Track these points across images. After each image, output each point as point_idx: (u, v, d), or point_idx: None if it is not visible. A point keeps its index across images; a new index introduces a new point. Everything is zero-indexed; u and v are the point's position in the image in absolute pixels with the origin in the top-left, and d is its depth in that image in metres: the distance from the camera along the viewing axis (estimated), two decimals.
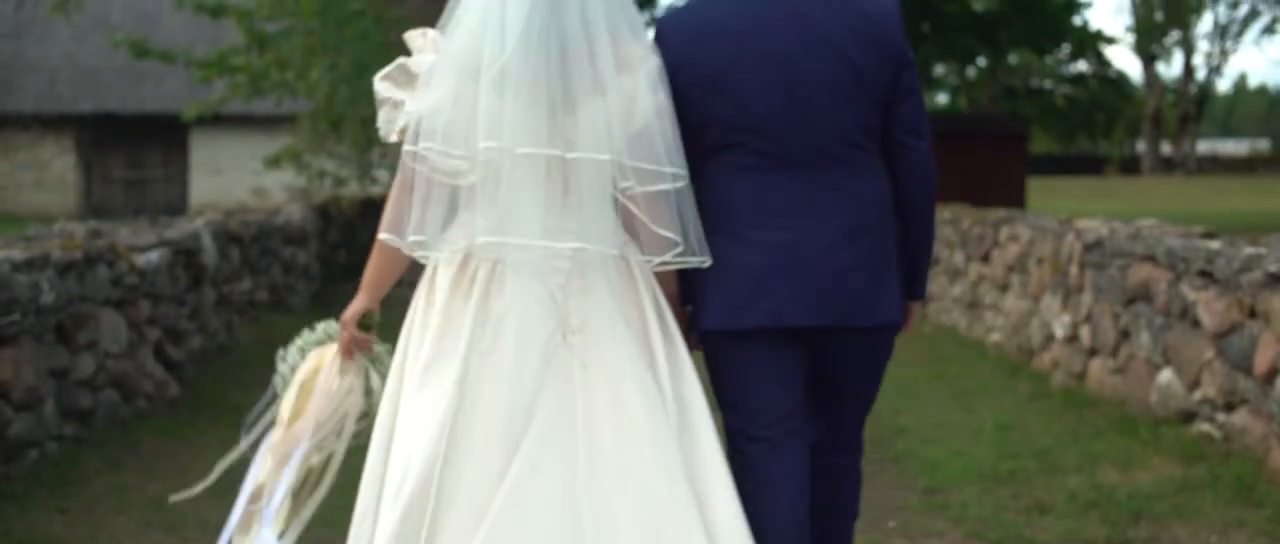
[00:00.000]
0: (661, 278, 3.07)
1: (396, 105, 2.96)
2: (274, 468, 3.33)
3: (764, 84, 3.09)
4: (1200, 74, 66.12)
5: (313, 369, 3.34)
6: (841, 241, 3.11)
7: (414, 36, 3.01)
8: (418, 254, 3.01)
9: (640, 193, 2.92)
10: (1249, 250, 5.87)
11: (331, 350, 3.33)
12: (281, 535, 3.27)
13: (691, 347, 3.13)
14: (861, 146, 3.16)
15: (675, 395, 2.90)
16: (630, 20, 2.96)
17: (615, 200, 2.92)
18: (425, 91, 2.90)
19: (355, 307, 3.26)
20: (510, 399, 2.80)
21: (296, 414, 3.31)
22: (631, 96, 2.91)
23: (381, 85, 3.00)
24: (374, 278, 3.21)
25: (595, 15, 2.87)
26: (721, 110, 3.11)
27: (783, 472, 3.19)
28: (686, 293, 3.23)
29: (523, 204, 2.83)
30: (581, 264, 2.90)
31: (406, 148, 2.89)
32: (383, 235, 3.03)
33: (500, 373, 2.82)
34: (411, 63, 2.98)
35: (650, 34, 3.11)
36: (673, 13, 3.25)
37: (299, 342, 3.43)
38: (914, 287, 3.35)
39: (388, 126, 3.00)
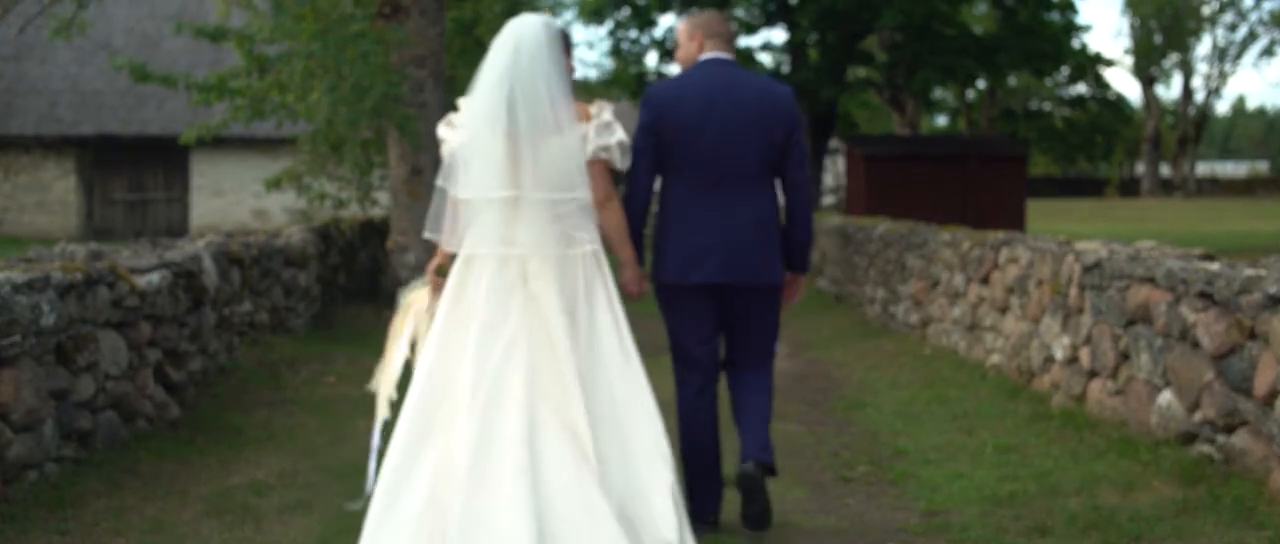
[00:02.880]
0: (620, 245, 4.87)
1: (443, 142, 4.74)
2: (386, 367, 5.14)
3: (712, 134, 5.03)
4: (1199, 96, 66.23)
5: (414, 299, 5.02)
6: (748, 233, 5.04)
7: (462, 102, 4.70)
8: (448, 248, 4.69)
9: (562, 209, 4.59)
10: (1248, 272, 5.87)
11: (426, 289, 4.95)
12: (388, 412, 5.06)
13: (636, 295, 5.01)
14: (763, 175, 5.10)
15: (589, 327, 4.55)
16: (567, 102, 4.60)
17: (554, 215, 4.57)
18: (454, 137, 4.67)
19: (433, 263, 4.85)
20: (484, 325, 4.46)
21: (401, 325, 5.05)
22: (564, 149, 4.57)
23: (441, 130, 4.79)
24: (440, 251, 4.81)
25: (546, 97, 4.54)
26: (685, 148, 5.05)
27: (702, 402, 5.19)
28: (655, 256, 5.16)
29: (499, 221, 4.56)
30: (535, 253, 4.54)
31: (438, 183, 4.68)
32: (426, 234, 4.77)
33: (477, 312, 4.49)
34: (454, 117, 4.74)
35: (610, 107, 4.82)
36: (659, 84, 5.19)
37: (414, 283, 5.10)
38: (799, 264, 5.29)
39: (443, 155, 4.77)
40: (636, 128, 5.09)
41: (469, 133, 4.58)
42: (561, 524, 4.21)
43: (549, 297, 4.50)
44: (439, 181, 4.68)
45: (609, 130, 4.69)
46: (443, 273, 4.77)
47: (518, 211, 4.55)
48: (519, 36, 4.58)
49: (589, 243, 4.63)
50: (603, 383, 4.51)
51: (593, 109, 4.72)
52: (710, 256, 5.02)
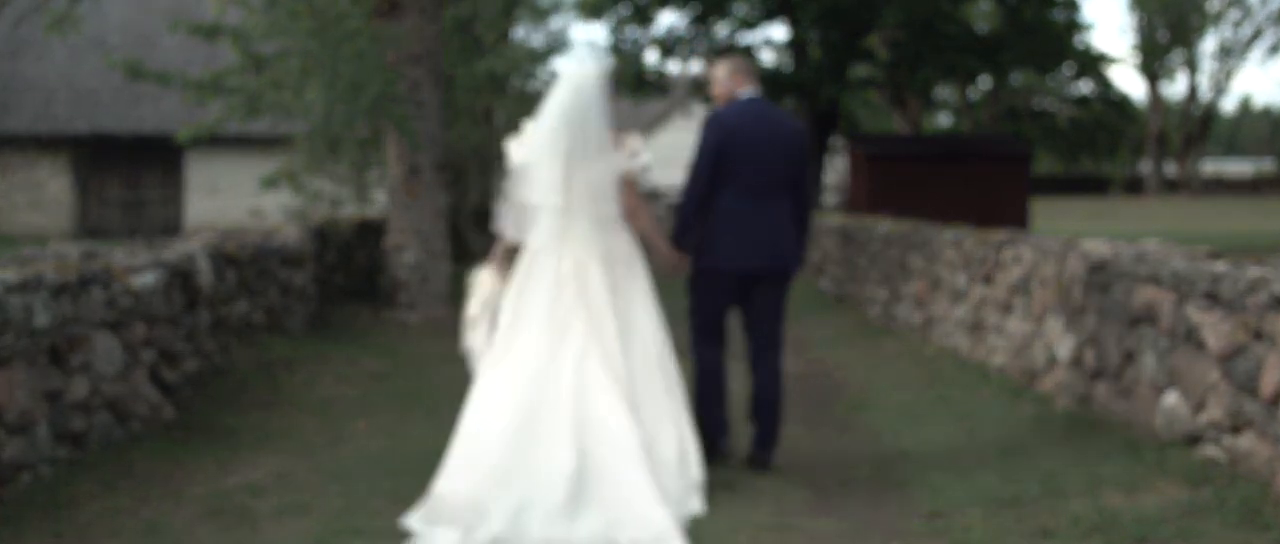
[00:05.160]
0: (653, 239, 6.25)
1: (511, 158, 6.10)
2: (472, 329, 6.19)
3: (758, 155, 6.45)
4: (1204, 94, 66.17)
5: (482, 279, 6.22)
6: (777, 232, 6.48)
7: (529, 125, 6.10)
8: (511, 240, 6.09)
9: (602, 216, 6.05)
10: (1254, 272, 5.82)
11: (488, 272, 6.21)
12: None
13: (674, 271, 6.57)
14: (785, 189, 6.52)
15: (626, 306, 5.94)
16: (608, 132, 6.04)
17: (595, 220, 6.01)
18: (518, 152, 6.07)
19: (497, 249, 6.17)
20: (549, 303, 5.85)
21: (478, 299, 6.18)
22: (603, 171, 6.01)
23: (511, 146, 6.11)
24: (506, 241, 6.17)
25: (594, 129, 6.00)
26: (741, 164, 6.42)
27: (719, 349, 6.66)
28: (699, 247, 6.50)
29: (557, 223, 5.96)
30: (585, 250, 5.95)
31: (506, 189, 6.15)
32: (493, 229, 6.40)
33: (542, 294, 5.89)
34: (521, 138, 6.10)
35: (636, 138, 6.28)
36: (722, 112, 6.54)
37: (477, 268, 6.29)
38: (802, 255, 6.68)
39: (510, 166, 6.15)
40: (703, 144, 6.46)
41: (534, 152, 5.98)
42: (600, 451, 5.51)
43: (596, 283, 5.87)
44: (507, 188, 6.14)
45: (636, 156, 6.12)
46: (508, 257, 6.18)
47: (570, 217, 5.94)
48: (579, 80, 6.02)
49: (624, 244, 6.06)
50: (637, 348, 5.89)
51: (623, 137, 6.15)
52: (757, 249, 6.45)
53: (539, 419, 5.60)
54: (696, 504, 5.70)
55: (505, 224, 6.13)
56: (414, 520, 5.45)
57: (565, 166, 5.94)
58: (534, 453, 5.51)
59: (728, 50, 27.46)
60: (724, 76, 6.69)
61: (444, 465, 5.66)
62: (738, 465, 6.58)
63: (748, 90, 6.63)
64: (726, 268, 6.47)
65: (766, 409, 6.60)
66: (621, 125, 6.32)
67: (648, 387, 5.86)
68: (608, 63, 6.57)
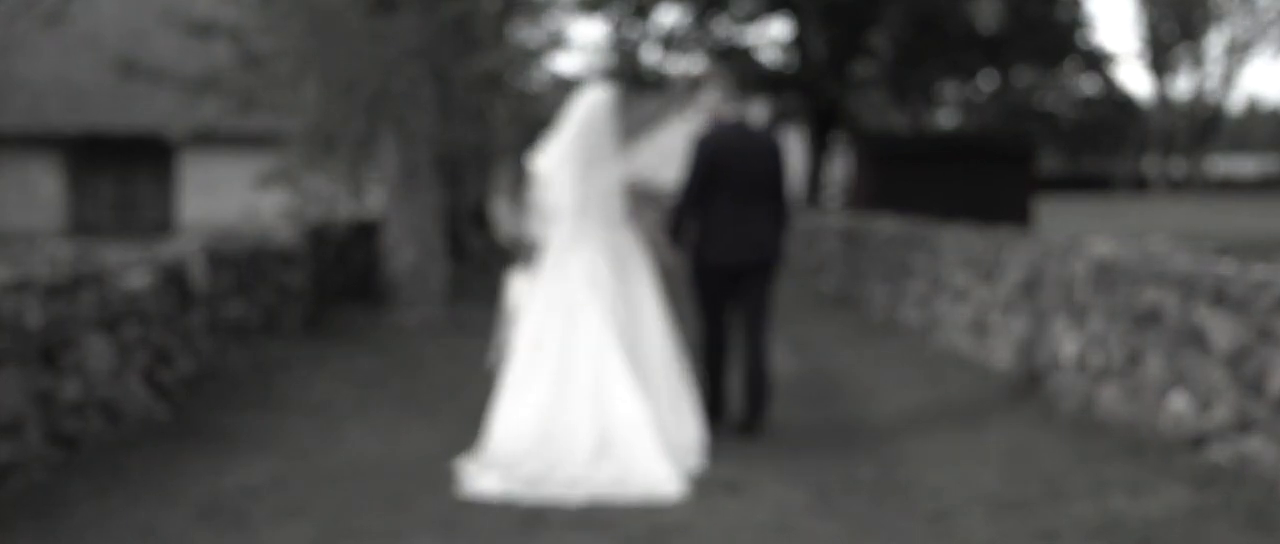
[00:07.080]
0: (655, 237, 7.33)
1: (535, 167, 6.98)
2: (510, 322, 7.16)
3: (743, 166, 7.43)
4: (1212, 91, 66.16)
5: (514, 281, 7.15)
6: (763, 230, 7.46)
7: (552, 138, 6.97)
8: (537, 238, 7.03)
9: (609, 215, 7.01)
10: (1261, 272, 5.77)
11: (518, 273, 7.16)
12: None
13: (672, 266, 7.44)
14: (769, 194, 7.50)
15: (634, 287, 6.94)
16: (617, 144, 7.06)
17: (604, 218, 6.98)
18: (541, 163, 6.94)
19: (527, 248, 7.11)
20: (571, 287, 6.78)
21: (512, 299, 7.14)
22: (610, 178, 6.97)
23: (535, 158, 6.98)
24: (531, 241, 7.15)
25: (605, 143, 6.95)
26: (728, 175, 7.38)
27: (721, 330, 7.59)
28: (697, 247, 7.46)
29: (574, 222, 6.86)
30: (597, 241, 6.89)
31: (532, 194, 7.06)
32: (523, 228, 7.33)
33: (561, 282, 6.82)
34: (543, 150, 6.97)
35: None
36: (711, 133, 7.47)
37: (508, 272, 7.30)
38: (783, 249, 7.64)
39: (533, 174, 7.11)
40: (696, 162, 7.41)
41: (554, 162, 6.89)
42: (615, 416, 6.49)
43: (608, 274, 6.84)
44: (533, 193, 7.06)
45: (633, 165, 7.26)
46: (531, 256, 7.13)
47: (585, 217, 6.86)
48: (594, 100, 6.99)
49: (630, 240, 7.05)
50: (643, 329, 6.88)
51: (612, 155, 7.12)
52: (744, 247, 7.43)
53: (566, 390, 6.60)
54: (694, 460, 6.63)
55: (531, 227, 7.12)
56: (466, 464, 6.48)
57: (582, 174, 6.89)
58: (563, 417, 6.54)
59: (727, 51, 27.43)
60: (715, 97, 7.74)
61: (490, 430, 6.63)
62: (733, 429, 7.49)
63: (731, 109, 7.66)
64: (719, 263, 7.47)
65: (758, 379, 7.53)
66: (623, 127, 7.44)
67: (652, 361, 6.85)
68: (615, 85, 7.13)
